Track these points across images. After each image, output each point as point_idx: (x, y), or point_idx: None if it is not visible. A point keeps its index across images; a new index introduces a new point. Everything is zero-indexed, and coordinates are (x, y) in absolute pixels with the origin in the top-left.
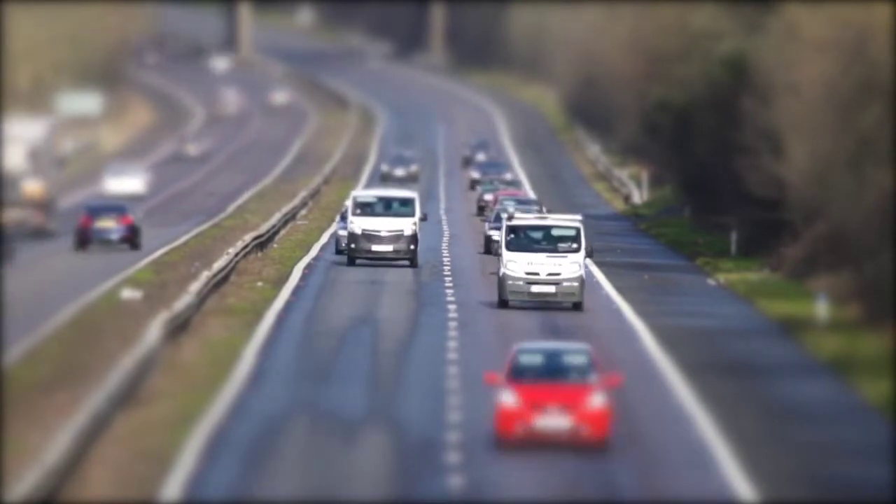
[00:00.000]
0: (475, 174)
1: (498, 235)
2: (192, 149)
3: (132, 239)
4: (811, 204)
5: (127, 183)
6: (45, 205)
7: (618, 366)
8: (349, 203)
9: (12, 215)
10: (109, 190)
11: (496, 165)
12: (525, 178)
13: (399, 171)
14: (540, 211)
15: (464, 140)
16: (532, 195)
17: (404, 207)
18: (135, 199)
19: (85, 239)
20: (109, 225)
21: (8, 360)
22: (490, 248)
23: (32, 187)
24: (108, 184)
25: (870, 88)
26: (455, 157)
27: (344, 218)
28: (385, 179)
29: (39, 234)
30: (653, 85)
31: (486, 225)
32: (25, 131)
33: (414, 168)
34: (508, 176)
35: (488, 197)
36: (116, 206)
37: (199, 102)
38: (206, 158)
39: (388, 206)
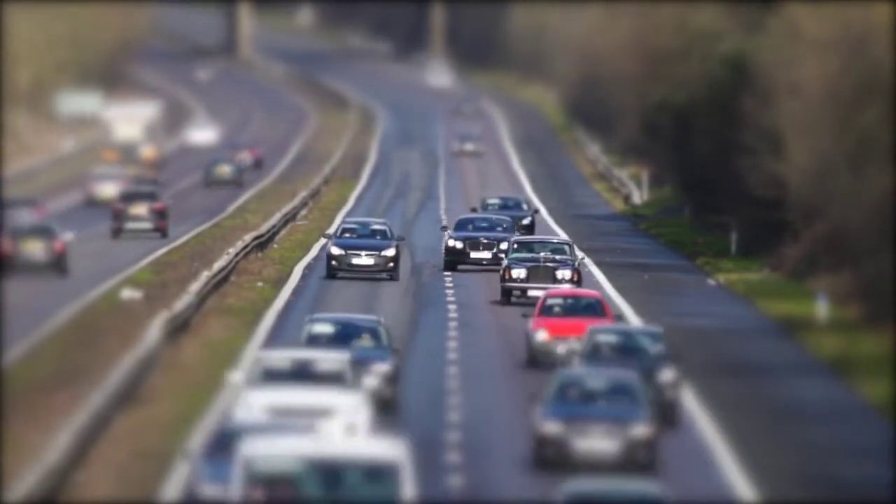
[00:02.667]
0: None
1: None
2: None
3: (162, 227)
4: (811, 204)
5: (205, 135)
6: (157, 164)
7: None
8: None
9: (133, 171)
10: (191, 141)
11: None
12: (525, 177)
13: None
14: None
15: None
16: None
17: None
18: (210, 149)
19: (119, 227)
20: (140, 212)
21: (8, 360)
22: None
23: (148, 151)
24: (191, 136)
25: (870, 88)
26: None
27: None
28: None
29: (154, 183)
30: (653, 85)
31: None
32: (141, 112)
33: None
34: (526, 220)
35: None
36: (148, 194)
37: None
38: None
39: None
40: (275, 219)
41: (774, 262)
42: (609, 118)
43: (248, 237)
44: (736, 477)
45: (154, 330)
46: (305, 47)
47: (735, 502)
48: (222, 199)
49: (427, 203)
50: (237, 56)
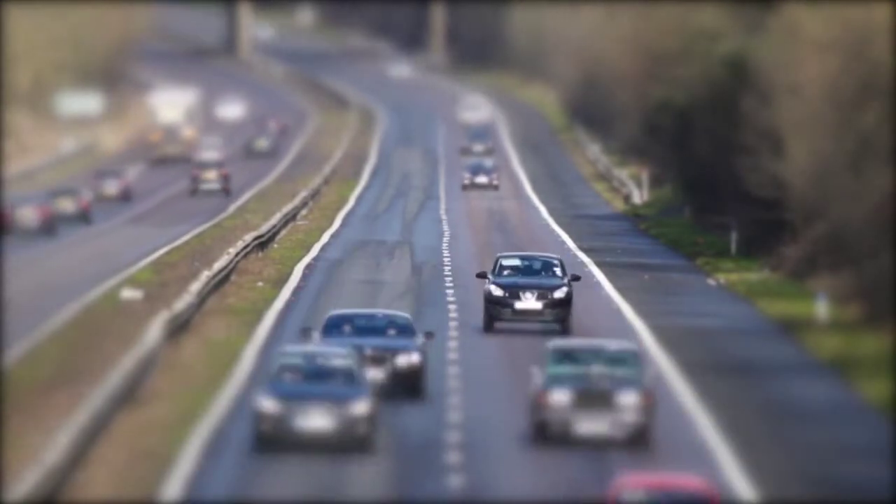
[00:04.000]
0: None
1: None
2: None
3: (227, 189)
4: (811, 204)
5: (233, 109)
6: (194, 145)
7: None
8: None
9: (175, 149)
10: (220, 116)
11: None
12: (525, 177)
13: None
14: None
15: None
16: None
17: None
18: (238, 125)
19: (195, 188)
20: (211, 177)
21: (8, 360)
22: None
23: (188, 132)
24: (219, 110)
25: (870, 88)
26: (455, 156)
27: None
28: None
29: (186, 160)
30: (653, 85)
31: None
32: (182, 97)
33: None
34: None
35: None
36: (216, 163)
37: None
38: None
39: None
40: (275, 219)
41: (774, 262)
42: (609, 118)
43: (248, 237)
44: (736, 477)
45: (154, 330)
46: (303, 47)
47: (735, 502)
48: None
49: (427, 203)
50: (237, 56)
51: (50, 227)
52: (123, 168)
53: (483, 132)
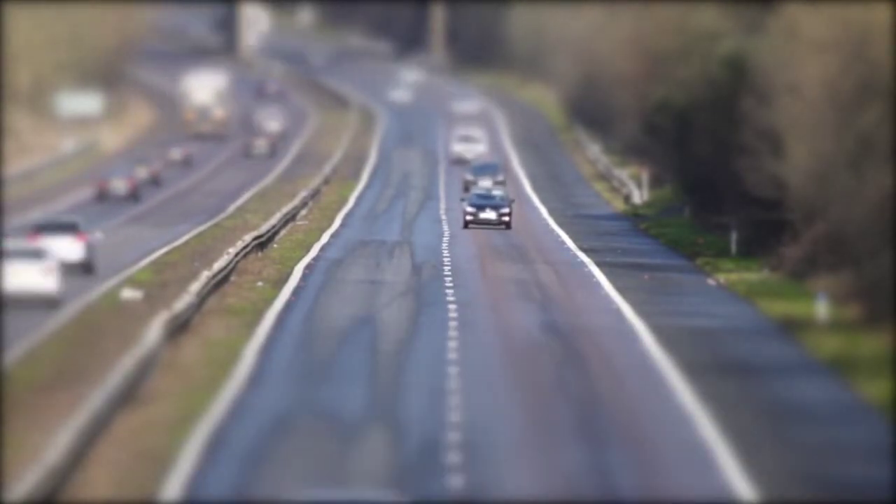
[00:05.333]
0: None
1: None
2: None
3: (273, 152)
4: (811, 204)
5: (273, 123)
6: (224, 124)
7: (618, 366)
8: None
9: (207, 128)
10: (259, 126)
11: (490, 166)
12: (525, 177)
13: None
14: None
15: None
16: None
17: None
18: (277, 136)
19: (247, 152)
20: (261, 143)
21: (8, 360)
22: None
23: (218, 113)
24: (259, 117)
25: (870, 88)
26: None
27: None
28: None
29: (219, 138)
30: (653, 85)
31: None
32: (213, 81)
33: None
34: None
35: None
36: (272, 133)
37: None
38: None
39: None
40: (275, 219)
41: (774, 262)
42: (609, 118)
43: (248, 237)
44: (735, 476)
45: (154, 330)
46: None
47: (735, 502)
48: (222, 199)
49: (427, 203)
50: (237, 56)
51: (135, 194)
52: (172, 146)
53: (489, 166)
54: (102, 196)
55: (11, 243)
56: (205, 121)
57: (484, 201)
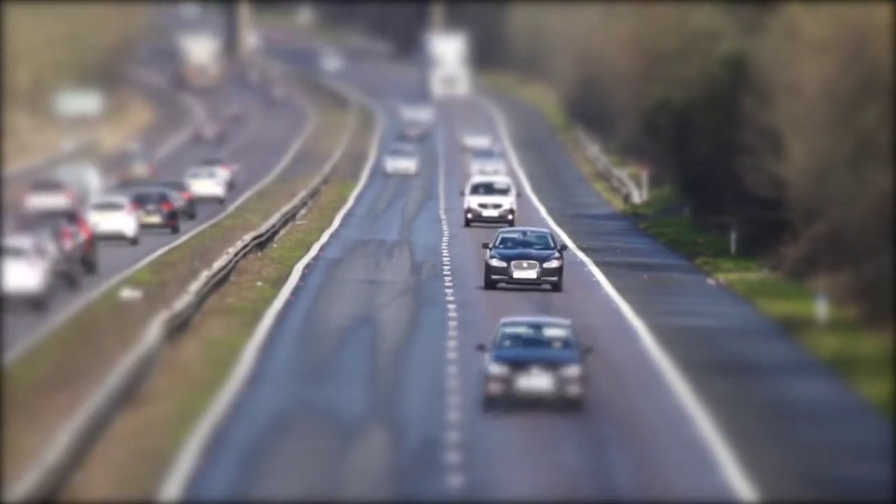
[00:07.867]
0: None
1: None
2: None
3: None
4: (811, 204)
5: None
6: (218, 79)
7: (618, 365)
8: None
9: (204, 83)
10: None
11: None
12: (525, 177)
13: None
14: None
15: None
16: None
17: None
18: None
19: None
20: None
21: (7, 359)
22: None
23: (213, 70)
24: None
25: (870, 88)
26: (455, 157)
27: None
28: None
29: (237, 121)
30: (653, 85)
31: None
32: (209, 43)
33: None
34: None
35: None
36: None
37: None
38: (222, 140)
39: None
40: (274, 218)
41: (774, 261)
42: (609, 118)
43: (247, 237)
44: (735, 476)
45: (154, 330)
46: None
47: (735, 502)
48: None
49: (426, 203)
50: (237, 55)
51: (222, 137)
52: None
53: (488, 152)
54: (196, 140)
55: (100, 198)
56: (202, 77)
57: (517, 250)
